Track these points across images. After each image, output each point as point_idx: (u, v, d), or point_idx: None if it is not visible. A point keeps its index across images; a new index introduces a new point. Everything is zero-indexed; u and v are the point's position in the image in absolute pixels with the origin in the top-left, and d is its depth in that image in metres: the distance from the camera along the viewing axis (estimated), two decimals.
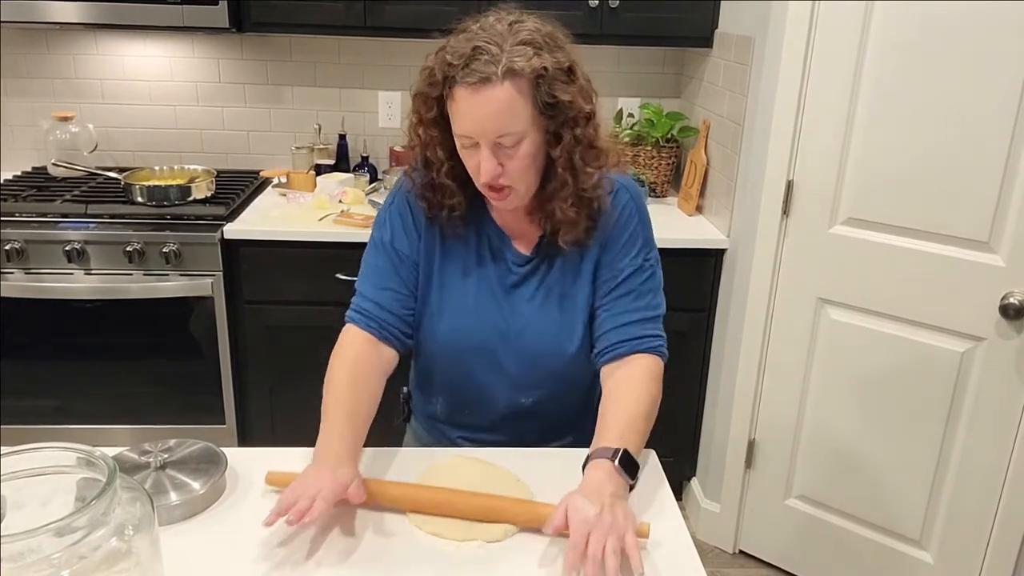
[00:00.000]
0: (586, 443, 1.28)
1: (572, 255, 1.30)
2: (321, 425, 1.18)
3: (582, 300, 1.31)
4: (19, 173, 2.73)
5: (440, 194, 1.27)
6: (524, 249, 1.32)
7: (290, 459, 1.24)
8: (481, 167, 1.16)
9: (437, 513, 1.12)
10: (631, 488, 1.14)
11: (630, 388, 1.24)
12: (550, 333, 1.31)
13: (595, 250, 1.30)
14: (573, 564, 1.00)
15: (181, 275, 2.28)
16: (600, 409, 1.24)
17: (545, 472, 1.22)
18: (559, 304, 1.31)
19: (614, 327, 1.29)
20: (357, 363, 1.26)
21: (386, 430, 1.40)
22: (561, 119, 1.16)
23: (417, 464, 1.25)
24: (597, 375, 1.39)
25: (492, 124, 1.13)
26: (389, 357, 1.30)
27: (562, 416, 1.40)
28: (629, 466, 1.13)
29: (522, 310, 1.31)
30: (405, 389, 1.53)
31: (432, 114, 1.20)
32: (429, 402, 1.45)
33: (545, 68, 1.12)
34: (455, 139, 1.20)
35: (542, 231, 1.30)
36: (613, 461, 1.11)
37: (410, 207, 1.32)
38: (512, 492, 1.16)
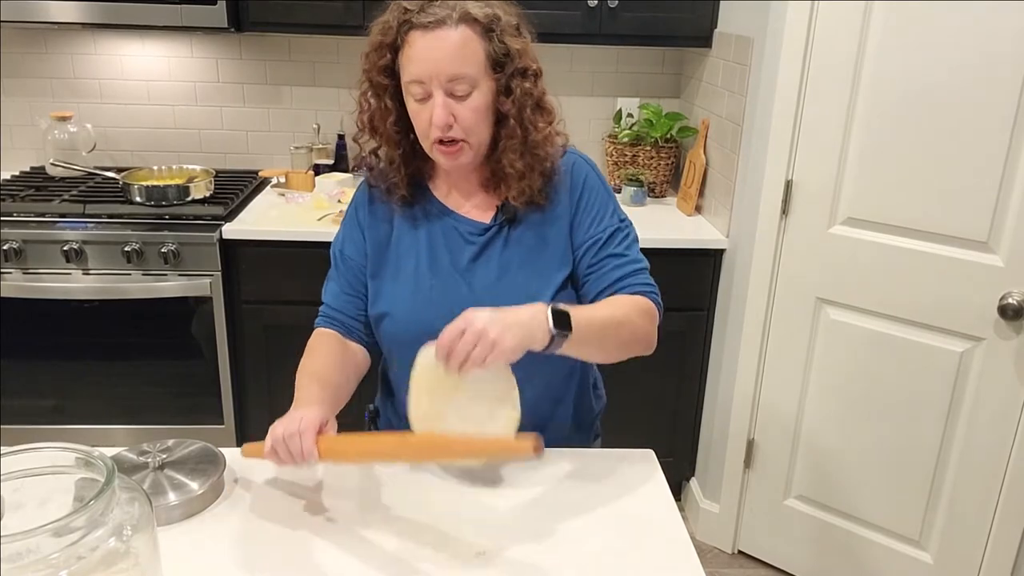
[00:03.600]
0: (562, 440, 1.32)
1: (537, 224, 1.29)
2: (298, 388, 1.24)
3: (552, 261, 1.29)
4: (17, 173, 2.73)
5: (384, 162, 1.30)
6: (483, 219, 1.31)
7: None
8: (433, 115, 1.17)
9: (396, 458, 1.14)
10: (553, 338, 1.08)
11: (600, 304, 1.24)
12: (512, 303, 1.24)
13: (564, 215, 1.29)
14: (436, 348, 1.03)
15: (179, 275, 2.28)
16: None
17: (564, 474, 1.21)
18: (523, 273, 1.29)
19: (603, 287, 1.27)
20: (327, 356, 1.30)
21: None
22: (511, 70, 1.19)
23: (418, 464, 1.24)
24: (570, 360, 1.37)
25: (446, 65, 1.15)
26: (358, 351, 1.35)
27: (533, 406, 1.34)
28: (560, 318, 1.09)
29: (482, 282, 1.29)
30: (371, 406, 1.51)
31: (383, 61, 1.21)
32: (399, 411, 1.41)
33: (497, 16, 1.18)
34: (406, 92, 1.21)
35: (500, 199, 1.30)
36: (547, 304, 1.09)
37: (356, 210, 1.37)
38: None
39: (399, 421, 1.44)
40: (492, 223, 1.30)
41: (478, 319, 1.02)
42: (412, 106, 1.21)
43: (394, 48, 1.19)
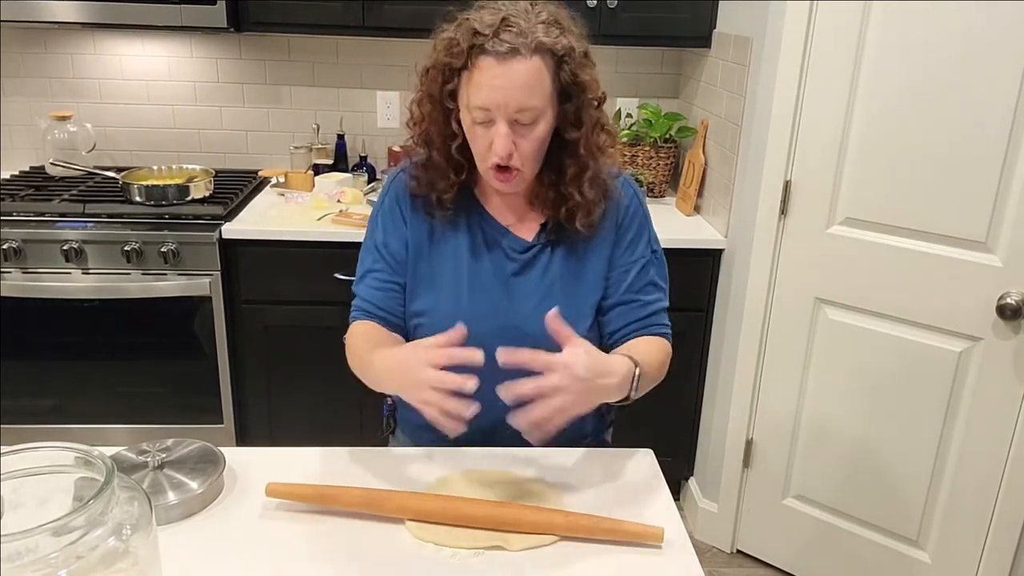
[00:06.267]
0: (583, 433, 1.34)
1: (579, 242, 1.29)
2: (375, 368, 1.18)
3: (590, 288, 1.30)
4: (17, 172, 2.73)
5: (433, 175, 1.26)
6: (526, 235, 1.30)
7: (288, 459, 1.25)
8: (495, 144, 1.15)
9: (446, 523, 1.09)
10: (621, 402, 1.16)
11: (646, 342, 1.29)
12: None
13: (607, 240, 1.30)
14: (519, 391, 1.02)
15: (179, 275, 2.28)
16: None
17: (564, 473, 1.22)
18: (564, 292, 1.30)
19: (627, 323, 1.31)
20: (376, 337, 1.27)
21: (371, 443, 1.38)
22: (581, 100, 1.18)
23: (421, 465, 1.25)
24: None
25: (516, 96, 1.12)
26: (399, 335, 1.33)
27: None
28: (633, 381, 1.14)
29: (522, 299, 1.29)
30: (389, 400, 1.51)
31: (451, 86, 1.18)
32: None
33: (572, 48, 1.16)
34: (467, 113, 1.18)
35: (545, 218, 1.29)
36: (635, 366, 1.13)
37: (398, 203, 1.32)
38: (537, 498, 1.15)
39: (418, 416, 1.43)
40: (535, 242, 1.30)
41: (576, 382, 1.02)
42: (473, 129, 1.19)
43: (461, 71, 1.16)
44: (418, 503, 1.11)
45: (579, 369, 1.04)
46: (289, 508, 1.13)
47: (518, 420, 1.03)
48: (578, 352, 1.06)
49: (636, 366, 1.13)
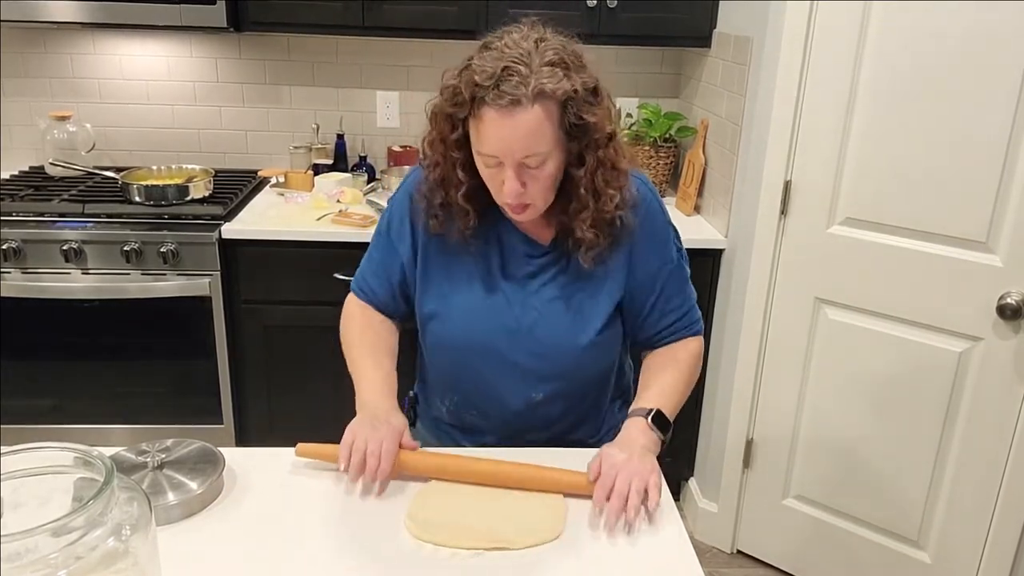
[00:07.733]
0: (597, 438, 1.37)
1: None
2: (355, 377, 1.31)
3: (604, 295, 1.31)
4: (16, 172, 2.73)
5: (453, 214, 1.27)
6: (542, 240, 1.32)
7: (288, 459, 1.25)
8: (505, 187, 1.17)
9: (465, 480, 1.19)
10: (663, 443, 1.24)
11: (669, 360, 1.35)
12: (563, 326, 1.31)
13: (623, 249, 1.30)
14: (599, 499, 1.12)
15: (179, 275, 2.28)
16: (641, 378, 1.36)
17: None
18: (576, 297, 1.31)
19: (666, 326, 1.36)
20: (369, 321, 1.38)
21: None
22: (585, 141, 1.17)
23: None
24: (612, 371, 1.41)
25: (520, 146, 1.13)
26: (394, 328, 1.42)
27: (574, 416, 1.40)
28: (662, 424, 1.25)
29: (534, 302, 1.30)
30: (411, 392, 1.53)
31: (456, 135, 1.19)
32: (438, 403, 1.44)
33: (575, 91, 1.13)
34: (477, 158, 1.19)
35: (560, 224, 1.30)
36: (647, 418, 1.24)
37: (411, 205, 1.33)
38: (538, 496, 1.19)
39: (437, 410, 1.46)
40: (550, 248, 1.31)
41: (623, 468, 1.15)
42: (484, 170, 1.20)
43: (465, 120, 1.17)
44: (438, 461, 1.21)
45: (615, 453, 1.18)
46: (289, 509, 1.14)
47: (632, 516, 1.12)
48: (602, 451, 1.20)
49: (648, 415, 1.25)
